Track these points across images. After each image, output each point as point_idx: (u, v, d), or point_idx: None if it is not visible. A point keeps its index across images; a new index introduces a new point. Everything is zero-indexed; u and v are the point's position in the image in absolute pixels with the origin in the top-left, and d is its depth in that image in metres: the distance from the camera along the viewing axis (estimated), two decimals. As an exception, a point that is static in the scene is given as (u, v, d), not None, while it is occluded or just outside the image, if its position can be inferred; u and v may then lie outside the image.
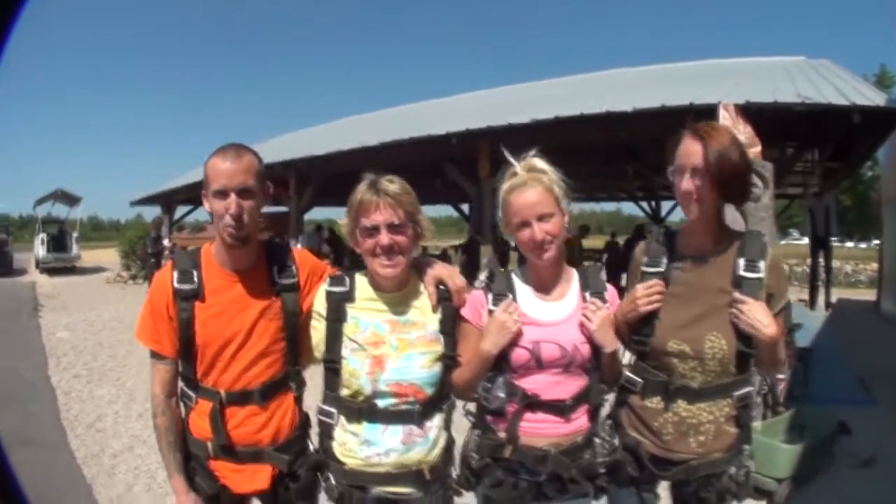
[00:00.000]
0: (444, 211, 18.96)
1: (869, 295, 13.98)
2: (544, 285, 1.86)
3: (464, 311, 1.85)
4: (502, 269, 1.99)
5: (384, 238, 1.71)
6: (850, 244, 37.24)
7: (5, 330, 9.89)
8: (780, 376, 5.18)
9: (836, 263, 22.58)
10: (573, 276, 1.89)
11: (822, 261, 9.94)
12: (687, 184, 1.71)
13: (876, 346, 8.61)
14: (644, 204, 17.70)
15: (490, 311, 1.80)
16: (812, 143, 8.32)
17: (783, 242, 31.56)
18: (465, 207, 17.61)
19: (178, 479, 1.84)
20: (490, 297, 1.83)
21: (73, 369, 7.34)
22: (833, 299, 11.86)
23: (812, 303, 10.01)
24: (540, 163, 1.83)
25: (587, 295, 1.84)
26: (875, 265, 15.13)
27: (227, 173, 1.72)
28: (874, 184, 19.19)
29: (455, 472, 1.89)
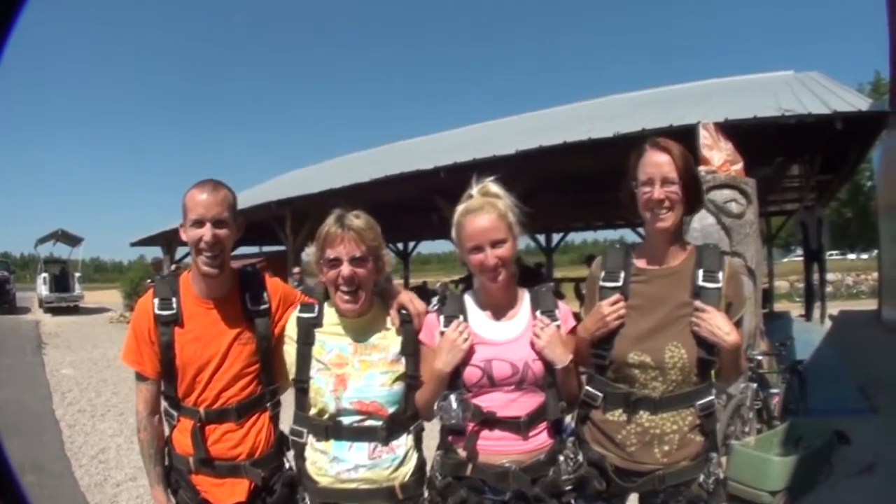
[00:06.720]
0: (448, 246, 19.06)
1: (871, 305, 13.91)
2: (496, 306, 1.91)
3: (420, 335, 1.92)
4: (456, 293, 2.06)
5: (345, 269, 1.80)
6: (851, 256, 36.99)
7: (10, 365, 10.00)
8: (774, 391, 5.20)
9: (837, 276, 22.44)
10: (524, 297, 1.94)
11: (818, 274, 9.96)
12: (659, 192, 1.76)
13: (876, 354, 8.53)
14: (641, 230, 17.58)
15: (442, 333, 1.86)
16: (799, 156, 8.36)
17: (785, 260, 31.17)
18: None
19: (159, 489, 1.96)
20: (441, 319, 1.89)
21: (78, 404, 7.45)
22: (834, 311, 11.81)
23: (808, 315, 9.98)
24: (495, 188, 1.90)
25: (538, 314, 1.87)
26: (876, 275, 15.09)
27: (204, 204, 1.85)
28: (873, 194, 19.23)
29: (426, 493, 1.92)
